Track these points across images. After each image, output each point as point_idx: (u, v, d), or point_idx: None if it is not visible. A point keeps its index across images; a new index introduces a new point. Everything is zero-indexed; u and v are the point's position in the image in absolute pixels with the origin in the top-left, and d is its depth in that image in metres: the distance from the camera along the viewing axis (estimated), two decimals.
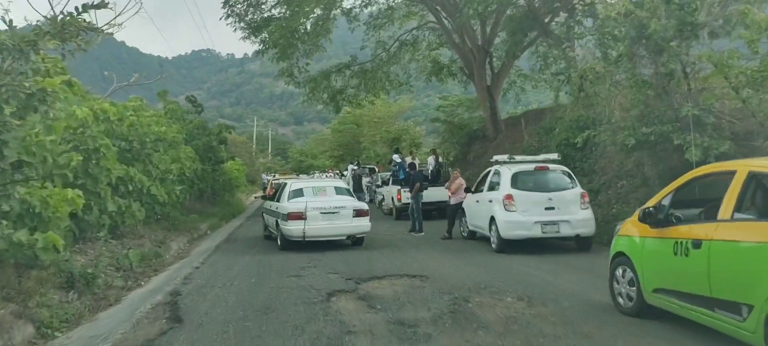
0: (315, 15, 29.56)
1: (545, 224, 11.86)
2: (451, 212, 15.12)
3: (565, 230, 11.94)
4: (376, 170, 35.67)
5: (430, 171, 21.57)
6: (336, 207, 13.36)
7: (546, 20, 25.19)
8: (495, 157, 14.11)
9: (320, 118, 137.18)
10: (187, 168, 16.78)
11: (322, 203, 13.41)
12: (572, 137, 16.79)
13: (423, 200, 20.06)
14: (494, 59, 29.00)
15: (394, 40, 31.54)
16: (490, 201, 12.73)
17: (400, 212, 20.14)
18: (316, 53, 31.15)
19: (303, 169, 74.12)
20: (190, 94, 27.25)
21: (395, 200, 20.87)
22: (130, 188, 12.57)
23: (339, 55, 33.88)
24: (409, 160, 22.23)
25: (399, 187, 20.26)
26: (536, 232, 11.88)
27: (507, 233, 11.99)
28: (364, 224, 13.53)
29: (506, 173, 12.62)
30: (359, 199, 17.79)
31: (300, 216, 13.03)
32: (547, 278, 9.40)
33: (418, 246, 13.90)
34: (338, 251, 13.08)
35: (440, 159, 21.93)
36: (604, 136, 13.55)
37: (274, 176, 43.12)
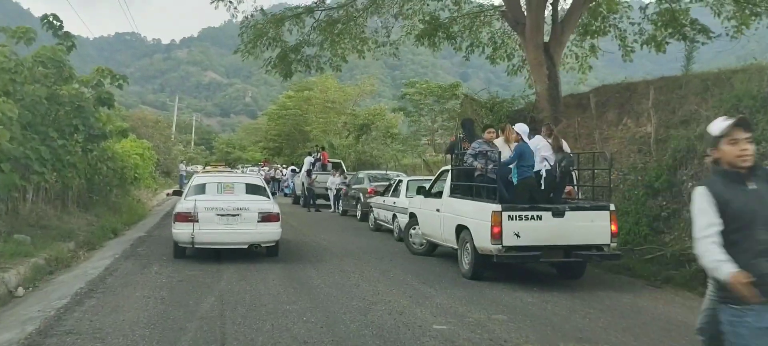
0: None
1: None
2: None
3: None
4: (343, 167, 24.48)
5: (545, 172, 9.00)
6: (237, 209, 9.88)
7: None
8: None
9: (248, 111, 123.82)
10: None
11: (219, 203, 10.01)
12: None
13: (541, 243, 8.63)
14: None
15: None
16: None
17: (503, 261, 8.07)
18: None
19: (229, 161, 62.60)
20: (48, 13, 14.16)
21: (470, 232, 8.69)
22: None
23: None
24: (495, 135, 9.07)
25: (504, 204, 7.90)
26: None
27: None
28: (271, 230, 10.01)
29: None
30: None
31: (189, 218, 9.61)
32: None
33: None
34: None
35: (566, 147, 9.27)
36: None
37: (203, 168, 31.64)
